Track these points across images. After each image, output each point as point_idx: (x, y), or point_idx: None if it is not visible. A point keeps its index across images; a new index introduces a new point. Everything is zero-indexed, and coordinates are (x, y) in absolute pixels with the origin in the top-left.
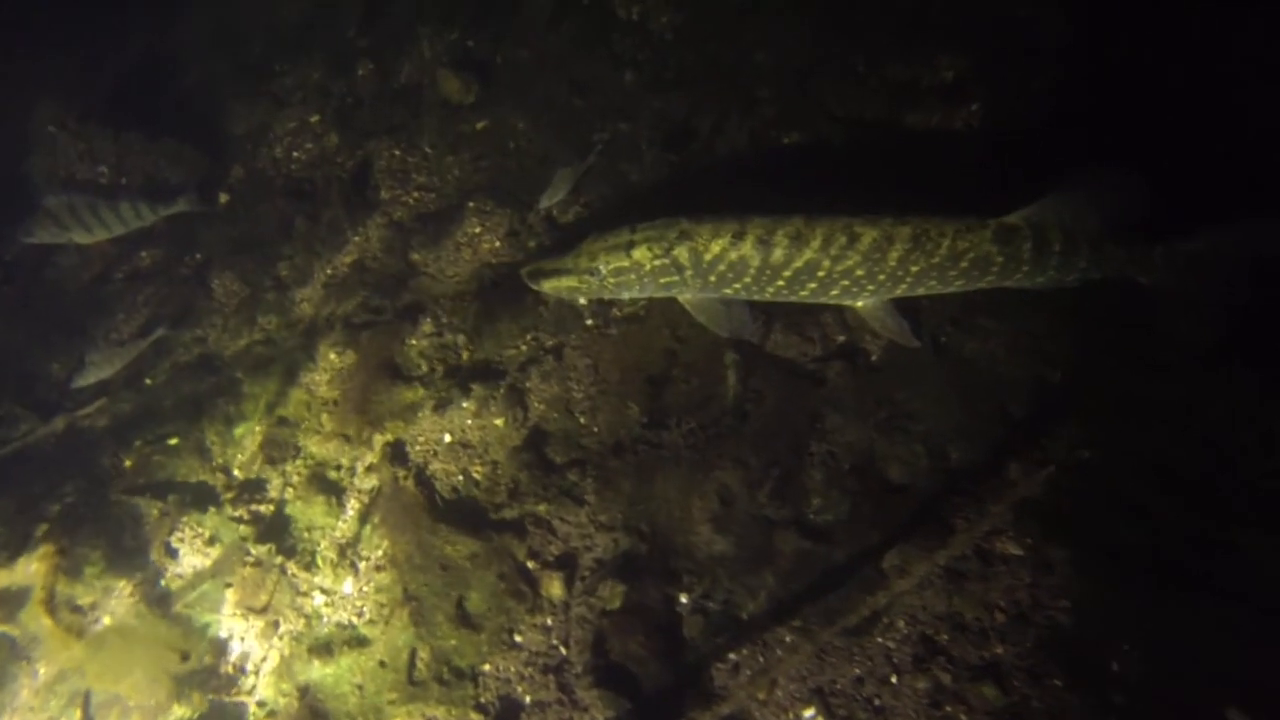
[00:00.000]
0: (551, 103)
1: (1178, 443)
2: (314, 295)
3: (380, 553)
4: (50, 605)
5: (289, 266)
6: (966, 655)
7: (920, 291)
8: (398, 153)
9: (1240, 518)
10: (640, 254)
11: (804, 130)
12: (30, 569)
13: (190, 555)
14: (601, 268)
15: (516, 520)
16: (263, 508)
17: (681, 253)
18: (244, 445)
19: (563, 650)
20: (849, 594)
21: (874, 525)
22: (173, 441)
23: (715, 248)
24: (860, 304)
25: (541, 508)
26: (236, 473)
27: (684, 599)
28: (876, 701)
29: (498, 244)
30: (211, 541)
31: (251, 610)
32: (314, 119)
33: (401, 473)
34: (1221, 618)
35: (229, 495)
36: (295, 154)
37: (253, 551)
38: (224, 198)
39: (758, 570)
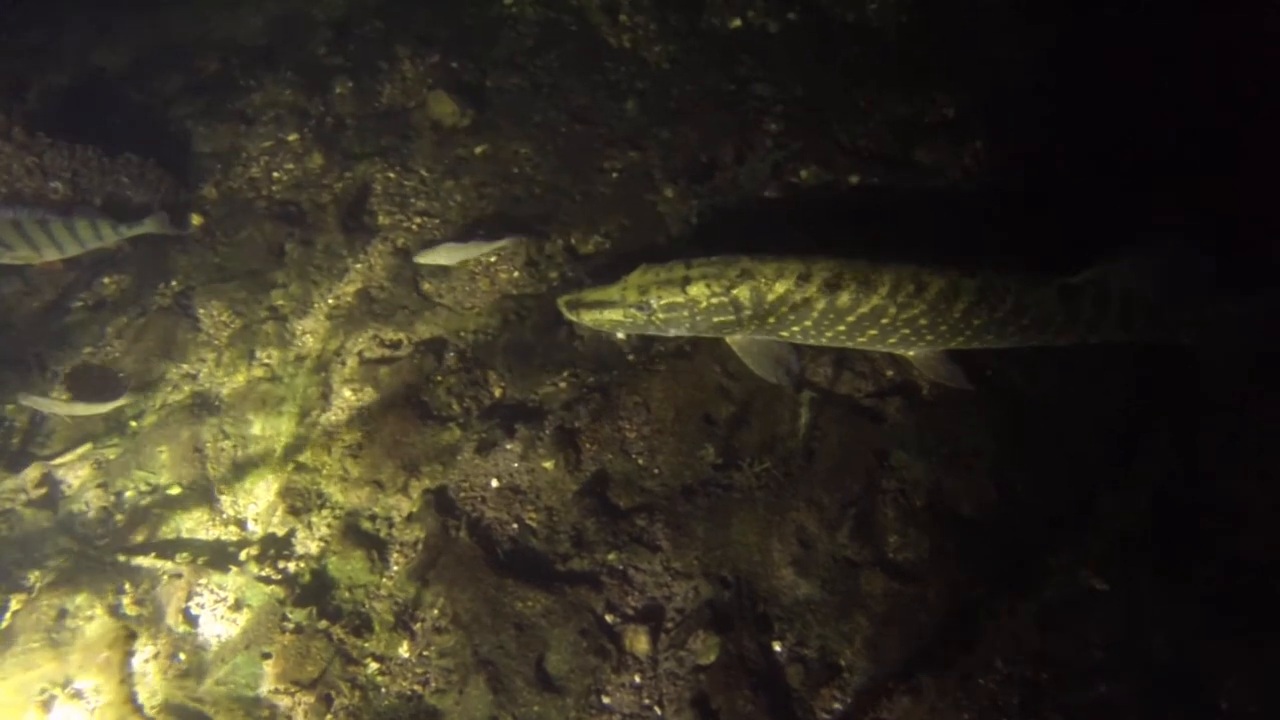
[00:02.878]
0: (554, 130)
1: (1239, 479)
2: (318, 327)
3: (437, 612)
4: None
5: (285, 296)
6: (1072, 696)
7: (975, 345)
8: (393, 176)
9: None
10: (697, 290)
11: (820, 164)
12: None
13: (214, 622)
14: (653, 302)
15: (588, 571)
16: (292, 565)
17: (743, 292)
18: (257, 495)
19: (657, 710)
20: (945, 635)
21: (958, 563)
22: (174, 491)
23: (779, 288)
24: (913, 353)
25: (612, 556)
26: (254, 525)
27: (777, 647)
28: None
29: (516, 274)
30: (238, 606)
31: (298, 685)
32: (292, 138)
33: (452, 523)
34: None
35: (250, 552)
36: (275, 175)
37: (291, 616)
38: (197, 220)
39: (849, 614)
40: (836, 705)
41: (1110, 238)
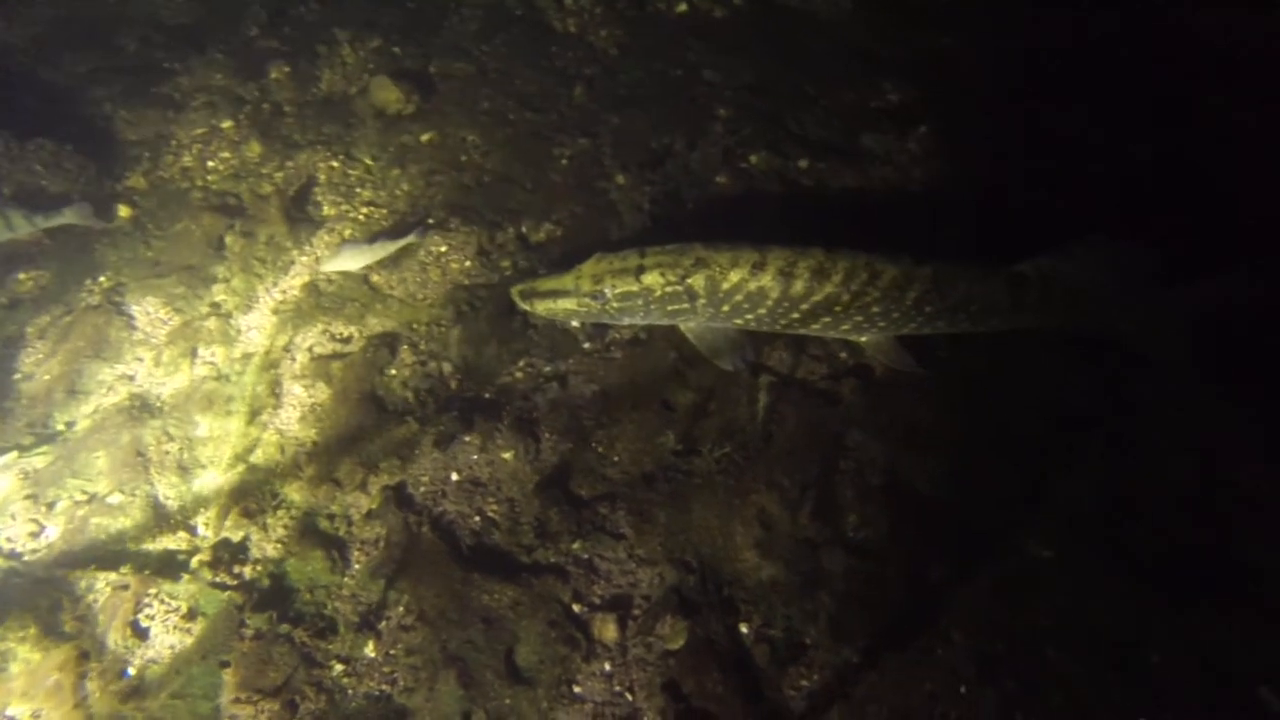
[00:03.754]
0: (502, 116)
1: (1179, 457)
2: (265, 323)
3: (403, 610)
4: None
5: (227, 291)
6: (1023, 662)
7: (926, 331)
8: (336, 165)
9: (1240, 530)
10: (652, 279)
11: (770, 149)
12: None
13: (166, 634)
14: (608, 291)
15: (553, 562)
16: (249, 569)
17: (698, 280)
18: (207, 498)
19: (628, 696)
20: (905, 610)
21: (916, 539)
22: (114, 499)
23: (734, 277)
24: (865, 339)
25: (577, 545)
26: (205, 530)
27: (744, 629)
28: (953, 715)
29: (469, 264)
30: (192, 615)
31: (260, 693)
32: (226, 125)
33: (413, 518)
34: (1234, 615)
35: (203, 558)
36: (211, 164)
37: (249, 622)
38: (125, 211)
39: (812, 593)
40: (804, 683)
41: (1054, 225)
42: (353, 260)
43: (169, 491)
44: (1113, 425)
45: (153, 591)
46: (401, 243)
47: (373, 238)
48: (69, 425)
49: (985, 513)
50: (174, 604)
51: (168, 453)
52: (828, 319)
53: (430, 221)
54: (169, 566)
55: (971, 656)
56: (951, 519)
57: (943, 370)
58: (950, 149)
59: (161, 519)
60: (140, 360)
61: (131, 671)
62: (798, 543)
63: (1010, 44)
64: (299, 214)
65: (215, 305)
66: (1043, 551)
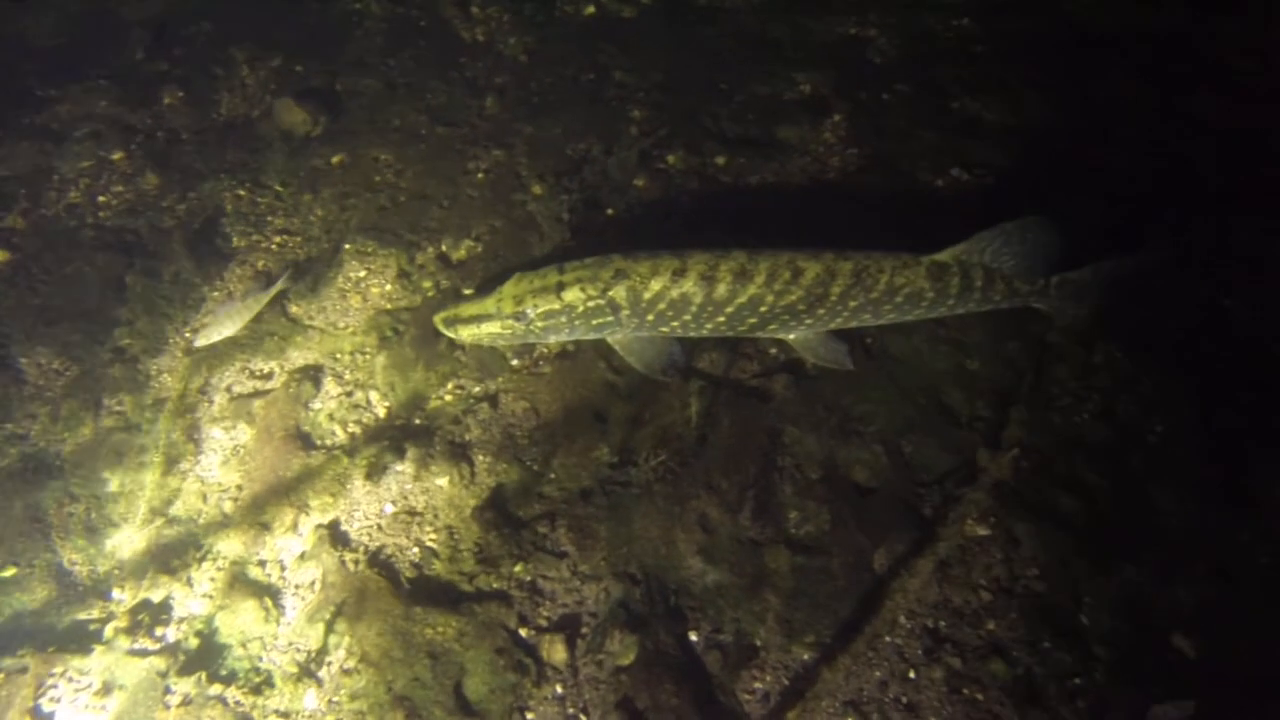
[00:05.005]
0: (414, 133)
1: (1091, 418)
2: (176, 365)
3: (344, 653)
4: None
5: (131, 334)
6: (966, 638)
7: (853, 324)
8: (243, 194)
9: (1151, 479)
10: (573, 295)
11: (687, 148)
12: None
13: (75, 715)
14: (529, 311)
15: (496, 588)
16: (173, 630)
17: (619, 292)
18: (121, 558)
19: (582, 718)
20: (851, 600)
21: (858, 529)
22: (8, 573)
23: (655, 285)
24: (793, 336)
25: (519, 568)
26: (120, 594)
27: (694, 637)
28: (904, 700)
29: (389, 287)
30: (107, 690)
31: None
32: (117, 156)
33: (349, 556)
34: (1152, 564)
35: (119, 625)
36: (102, 198)
37: (176, 687)
38: (2, 255)
39: (758, 593)
40: (758, 685)
41: (972, 207)
42: (230, 325)
43: (75, 556)
44: (1034, 395)
45: (58, 670)
46: (273, 290)
47: (241, 296)
48: None
49: (922, 495)
50: (84, 680)
51: (71, 515)
52: (754, 320)
53: (299, 262)
54: (78, 639)
55: (918, 639)
56: (891, 505)
57: (872, 359)
58: (865, 136)
59: (67, 588)
60: (34, 417)
61: None
62: (741, 544)
63: (914, 27)
64: (207, 247)
65: (119, 350)
66: (978, 529)
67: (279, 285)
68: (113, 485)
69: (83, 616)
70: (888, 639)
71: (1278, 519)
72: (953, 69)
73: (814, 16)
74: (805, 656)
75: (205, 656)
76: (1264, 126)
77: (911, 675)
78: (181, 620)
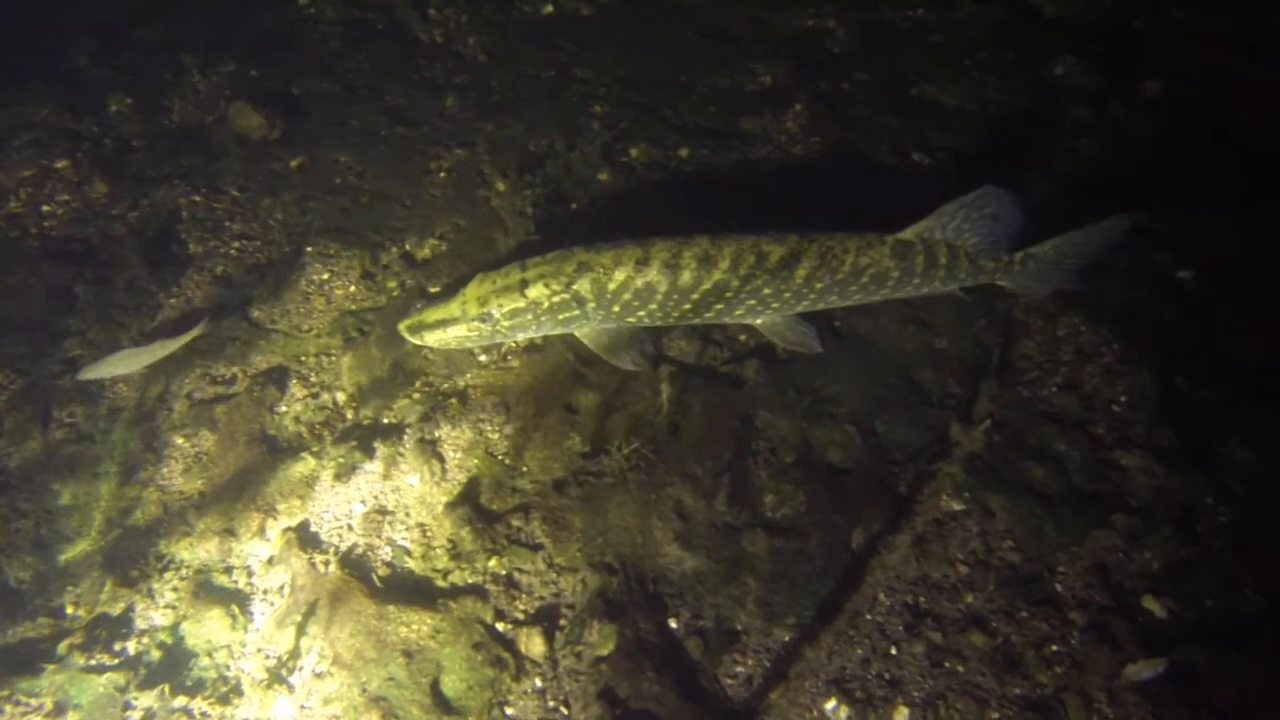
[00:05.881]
0: (374, 134)
1: (1058, 390)
2: (131, 374)
3: (316, 656)
4: None
5: (81, 344)
6: (946, 611)
7: (820, 306)
8: (199, 199)
9: (1118, 447)
10: (537, 292)
11: (650, 141)
12: None
13: None
14: (494, 312)
15: (471, 583)
16: (132, 643)
17: (583, 285)
18: (77, 573)
19: (563, 710)
20: (830, 580)
21: (835, 510)
22: None
23: (619, 276)
24: (760, 321)
25: (494, 563)
26: (74, 611)
27: (674, 624)
28: (886, 676)
29: (353, 289)
30: (60, 710)
31: None
32: (61, 165)
33: (320, 558)
34: (1120, 529)
35: (73, 641)
36: (46, 208)
37: (137, 702)
38: None
39: (737, 578)
40: (740, 669)
41: (933, 187)
42: (124, 365)
43: (23, 574)
44: (1000, 366)
45: (3, 694)
46: (186, 338)
47: (154, 336)
48: None
49: (897, 473)
50: (34, 703)
51: (19, 530)
52: (720, 306)
53: (216, 309)
54: (26, 659)
55: (898, 615)
56: (867, 484)
57: (841, 341)
58: (826, 124)
59: (13, 607)
60: None
61: None
62: (717, 530)
63: (872, 18)
64: (162, 254)
65: (69, 361)
66: (953, 504)
67: (195, 332)
68: (64, 498)
69: (31, 635)
70: (868, 617)
71: (1237, 480)
72: (911, 58)
73: (773, 9)
74: (786, 638)
75: (169, 668)
76: (1209, 109)
77: (893, 651)
78: (143, 633)
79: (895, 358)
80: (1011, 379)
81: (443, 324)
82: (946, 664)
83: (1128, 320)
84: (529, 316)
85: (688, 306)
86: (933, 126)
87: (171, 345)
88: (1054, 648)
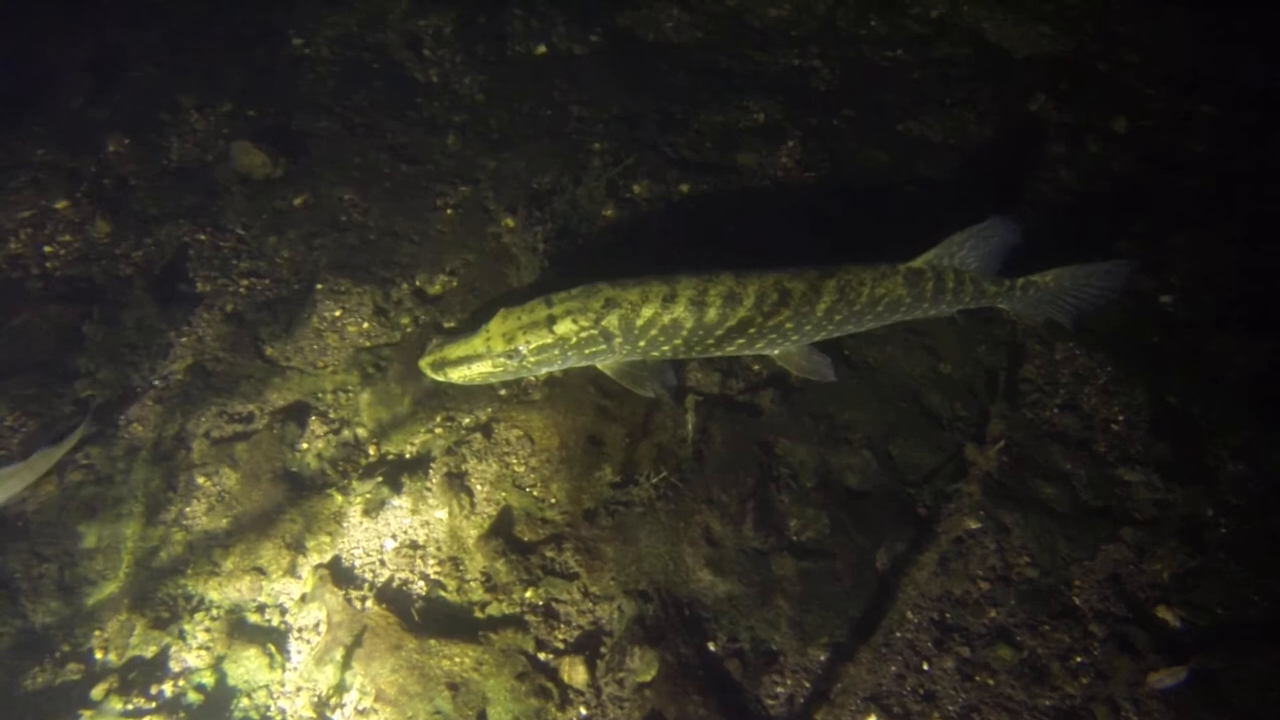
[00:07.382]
0: (377, 171)
1: (1060, 410)
2: (146, 414)
3: (359, 693)
4: None
5: (93, 385)
6: (971, 626)
7: (836, 335)
8: (204, 238)
9: (1120, 463)
10: (565, 328)
11: (651, 177)
12: None
13: None
14: (522, 348)
15: (510, 614)
16: (169, 686)
17: (611, 321)
18: (103, 617)
19: None
20: (860, 600)
21: (857, 531)
22: None
23: (646, 312)
24: (778, 352)
25: (530, 593)
26: (104, 656)
27: (713, 647)
28: (921, 690)
29: (366, 325)
30: None
31: None
32: (61, 205)
33: (355, 594)
34: (1129, 542)
35: (107, 686)
36: (48, 249)
37: None
38: None
39: (769, 600)
40: (780, 689)
41: (932, 218)
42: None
43: (47, 619)
44: (1006, 389)
45: None
46: (67, 444)
47: (27, 451)
48: None
49: (914, 494)
50: None
51: (41, 575)
52: (742, 340)
53: (95, 403)
54: (61, 706)
55: (927, 631)
56: (886, 506)
57: (851, 368)
58: (820, 159)
59: (42, 654)
60: None
61: None
62: (747, 554)
63: (853, 57)
64: (170, 293)
65: (81, 402)
66: (970, 522)
67: (76, 435)
68: (88, 540)
69: (61, 680)
70: (898, 634)
71: (1234, 491)
72: (894, 94)
73: (758, 49)
74: (822, 657)
75: (209, 711)
76: (1172, 141)
77: (925, 667)
78: (179, 675)
79: (903, 383)
80: (1017, 401)
81: (467, 360)
82: (977, 678)
83: (1118, 343)
84: (556, 352)
85: (711, 341)
86: (920, 159)
87: (55, 454)
88: (1078, 659)
